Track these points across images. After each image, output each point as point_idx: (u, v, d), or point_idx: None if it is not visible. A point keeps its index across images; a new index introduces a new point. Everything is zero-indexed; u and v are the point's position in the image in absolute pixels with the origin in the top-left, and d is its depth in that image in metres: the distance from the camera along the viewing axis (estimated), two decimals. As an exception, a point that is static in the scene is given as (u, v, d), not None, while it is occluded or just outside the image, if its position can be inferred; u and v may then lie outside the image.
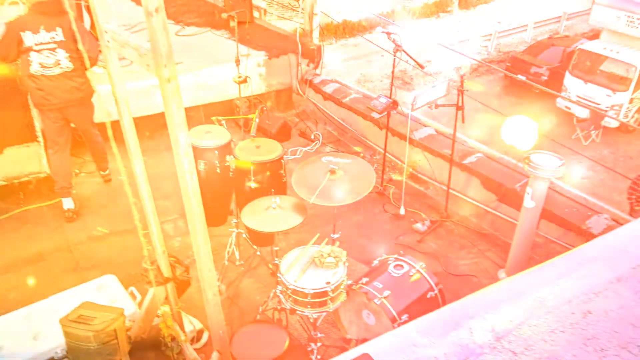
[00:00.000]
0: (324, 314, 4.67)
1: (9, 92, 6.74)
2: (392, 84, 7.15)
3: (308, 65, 9.64)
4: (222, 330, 4.32)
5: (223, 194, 5.95)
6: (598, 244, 3.96)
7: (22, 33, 6.05)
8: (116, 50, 3.70)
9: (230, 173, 5.70)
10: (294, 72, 9.63)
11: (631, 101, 15.97)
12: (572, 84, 16.87)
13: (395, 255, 5.20)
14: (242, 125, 7.21)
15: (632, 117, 16.35)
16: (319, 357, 4.83)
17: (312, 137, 8.92)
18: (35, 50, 6.11)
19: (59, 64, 6.22)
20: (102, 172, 7.52)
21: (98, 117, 6.93)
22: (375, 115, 7.25)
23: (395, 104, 7.10)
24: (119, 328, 4.21)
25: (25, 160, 7.15)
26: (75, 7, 7.97)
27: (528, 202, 5.57)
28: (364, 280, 4.92)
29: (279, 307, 5.08)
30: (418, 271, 5.02)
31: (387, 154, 7.65)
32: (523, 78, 16.28)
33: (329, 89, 9.29)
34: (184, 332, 4.73)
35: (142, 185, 4.17)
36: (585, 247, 3.90)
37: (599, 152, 15.36)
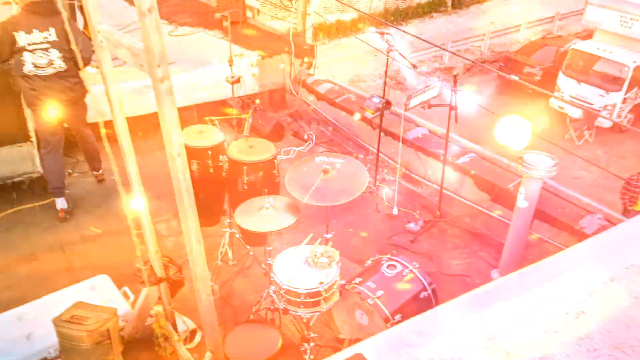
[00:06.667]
0: (317, 314, 4.67)
1: (2, 92, 6.71)
2: (385, 84, 7.15)
3: (301, 65, 9.63)
4: (215, 330, 4.31)
5: (216, 194, 5.95)
6: (591, 244, 3.97)
7: (15, 33, 6.03)
8: (109, 50, 3.69)
9: (224, 173, 5.70)
10: (287, 72, 9.63)
11: (624, 101, 16.00)
12: (566, 84, 16.89)
13: (389, 255, 5.21)
14: (236, 125, 7.21)
15: (625, 117, 16.39)
16: (312, 357, 4.83)
17: (305, 137, 8.92)
18: (28, 51, 6.09)
19: (52, 64, 6.21)
20: (95, 172, 7.50)
21: (91, 117, 6.91)
22: (368, 115, 7.26)
23: (388, 104, 7.10)
24: (112, 328, 4.20)
25: (18, 160, 7.12)
26: (68, 7, 7.94)
27: (521, 202, 5.59)
28: (357, 280, 4.93)
29: (272, 307, 5.08)
30: (411, 271, 5.03)
31: (380, 154, 7.65)
32: (516, 78, 16.30)
33: (322, 89, 9.28)
34: (177, 332, 4.73)
35: (135, 185, 4.16)
36: (579, 247, 3.91)
37: (592, 152, 15.38)
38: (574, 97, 16.51)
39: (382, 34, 6.99)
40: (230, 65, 7.39)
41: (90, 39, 3.99)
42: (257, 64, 9.29)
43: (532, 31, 23.69)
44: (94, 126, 6.90)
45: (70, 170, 7.67)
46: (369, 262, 5.27)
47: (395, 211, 7.21)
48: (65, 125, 6.80)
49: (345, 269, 5.29)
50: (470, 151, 7.36)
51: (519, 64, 18.94)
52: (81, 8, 7.50)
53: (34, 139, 7.07)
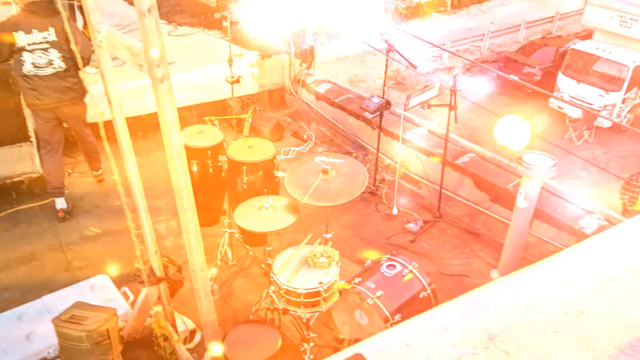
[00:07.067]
0: (317, 314, 4.67)
1: (1, 93, 6.71)
2: (384, 84, 7.15)
3: (301, 65, 9.63)
4: (215, 330, 4.31)
5: (216, 194, 5.94)
6: (591, 244, 3.97)
7: (14, 33, 6.03)
8: (109, 50, 3.69)
9: (223, 173, 5.70)
10: (287, 72, 9.62)
11: (624, 101, 16.00)
12: (565, 84, 16.89)
13: (388, 255, 5.20)
14: (235, 125, 7.20)
15: (625, 117, 16.39)
16: (311, 357, 4.83)
17: (305, 137, 8.92)
18: (27, 51, 6.09)
19: (51, 64, 6.20)
20: (94, 172, 7.50)
21: (91, 117, 6.91)
22: (368, 115, 7.26)
23: (387, 104, 7.10)
24: (111, 328, 4.20)
25: (18, 160, 7.13)
26: (67, 7, 7.94)
27: (520, 202, 5.58)
28: (357, 280, 4.92)
29: (271, 307, 5.08)
30: (411, 271, 5.02)
31: (379, 154, 7.65)
32: (516, 78, 16.31)
33: (321, 88, 9.28)
34: (176, 332, 4.73)
35: (134, 185, 4.16)
36: (578, 247, 3.91)
37: (592, 152, 15.37)
38: (573, 97, 16.50)
39: (381, 34, 6.99)
40: (230, 65, 7.39)
41: (89, 39, 3.99)
42: (257, 64, 9.29)
43: (532, 31, 23.67)
44: (94, 126, 6.91)
45: (69, 170, 7.67)
46: (368, 262, 5.26)
47: (394, 211, 7.21)
48: (65, 125, 6.80)
49: (344, 269, 5.29)
50: (469, 151, 7.36)
51: (519, 63, 18.92)
52: (81, 8, 7.49)
53: (33, 139, 7.08)
